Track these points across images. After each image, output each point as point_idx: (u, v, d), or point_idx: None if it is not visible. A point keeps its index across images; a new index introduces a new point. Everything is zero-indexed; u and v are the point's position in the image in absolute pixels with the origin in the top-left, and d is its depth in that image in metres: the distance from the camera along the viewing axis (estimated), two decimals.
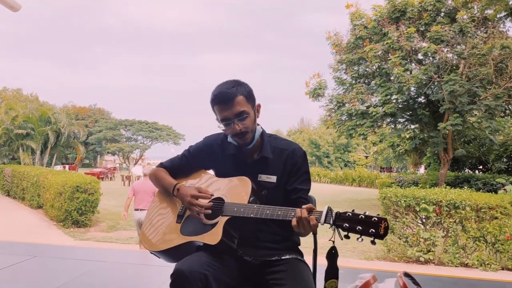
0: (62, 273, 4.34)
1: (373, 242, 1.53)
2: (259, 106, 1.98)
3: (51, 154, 31.11)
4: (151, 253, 2.00)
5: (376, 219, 1.53)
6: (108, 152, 52.95)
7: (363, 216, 1.55)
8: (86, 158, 53.84)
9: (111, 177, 32.05)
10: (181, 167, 2.12)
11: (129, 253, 5.72)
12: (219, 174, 2.06)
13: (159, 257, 2.02)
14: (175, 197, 2.00)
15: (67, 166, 33.08)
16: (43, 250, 5.61)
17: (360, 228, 1.53)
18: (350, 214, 1.57)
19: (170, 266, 1.93)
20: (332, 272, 1.69)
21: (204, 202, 1.87)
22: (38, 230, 8.03)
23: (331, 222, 1.59)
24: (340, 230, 1.58)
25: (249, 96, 1.92)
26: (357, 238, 1.53)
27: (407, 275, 1.66)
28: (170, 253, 1.93)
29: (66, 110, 39.80)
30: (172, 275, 1.70)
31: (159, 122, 52.01)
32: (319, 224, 1.62)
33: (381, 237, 1.50)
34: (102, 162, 58.40)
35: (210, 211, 1.86)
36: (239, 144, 1.94)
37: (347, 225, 1.56)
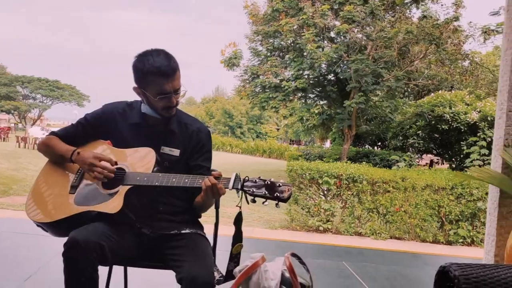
0: None
1: (277, 205, 1.66)
2: None
3: None
4: (38, 225, 1.83)
5: (280, 184, 1.63)
6: (2, 110, 48.19)
7: (269, 182, 1.64)
8: None
9: (4, 138, 29.20)
10: (76, 135, 1.97)
11: (22, 222, 5.23)
12: (118, 145, 1.95)
13: (47, 230, 1.85)
14: (71, 165, 1.86)
15: None
16: None
17: (266, 192, 1.63)
18: (257, 180, 1.65)
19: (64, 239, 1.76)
20: (239, 237, 1.82)
21: (107, 164, 1.79)
22: None
23: (239, 187, 1.65)
24: (247, 195, 1.65)
25: (180, 71, 1.91)
26: (263, 202, 1.64)
27: (294, 255, 1.83)
28: (60, 225, 1.77)
29: None
30: (65, 244, 1.58)
31: (61, 81, 48.33)
32: (227, 189, 1.69)
33: (285, 200, 1.62)
34: None
35: (113, 175, 1.77)
36: (164, 116, 1.91)
37: (254, 189, 1.64)
